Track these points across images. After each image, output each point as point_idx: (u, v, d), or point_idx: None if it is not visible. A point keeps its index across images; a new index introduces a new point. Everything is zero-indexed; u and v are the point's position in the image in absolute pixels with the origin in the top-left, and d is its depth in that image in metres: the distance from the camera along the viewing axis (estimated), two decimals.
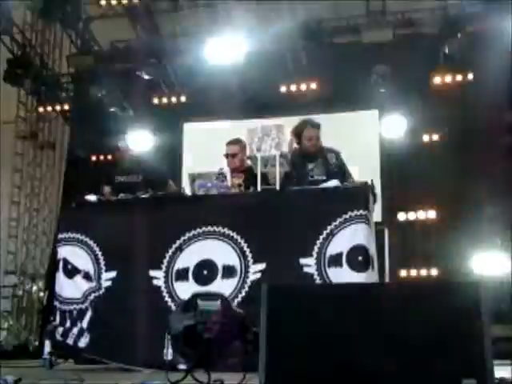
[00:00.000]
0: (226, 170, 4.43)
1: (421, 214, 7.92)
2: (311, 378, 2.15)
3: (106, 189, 4.74)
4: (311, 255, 3.82)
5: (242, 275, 3.91)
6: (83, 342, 4.15)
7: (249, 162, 4.53)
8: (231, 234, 3.99)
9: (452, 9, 7.96)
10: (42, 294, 9.01)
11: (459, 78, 7.93)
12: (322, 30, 8.49)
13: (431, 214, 7.88)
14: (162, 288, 4.03)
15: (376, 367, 2.10)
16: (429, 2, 8.04)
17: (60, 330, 4.21)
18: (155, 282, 4.05)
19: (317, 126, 4.55)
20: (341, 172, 4.42)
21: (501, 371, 2.48)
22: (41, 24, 9.26)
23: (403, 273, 7.60)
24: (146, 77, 8.83)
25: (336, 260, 3.80)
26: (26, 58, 9.07)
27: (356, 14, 8.42)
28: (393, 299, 2.23)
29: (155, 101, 8.85)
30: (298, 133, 4.57)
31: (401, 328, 2.15)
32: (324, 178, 4.36)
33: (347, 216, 3.83)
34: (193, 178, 4.31)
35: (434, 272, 7.60)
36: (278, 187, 4.11)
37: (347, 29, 8.43)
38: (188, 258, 4.04)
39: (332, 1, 8.17)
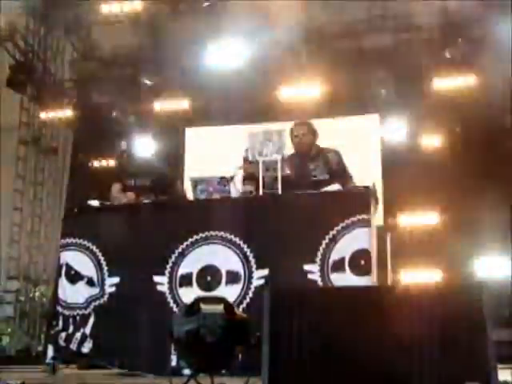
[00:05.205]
0: (239, 177, 4.37)
1: (422, 218, 7.93)
2: (314, 382, 2.16)
3: (117, 186, 4.69)
4: (315, 261, 3.82)
5: (246, 281, 3.91)
6: (86, 348, 4.14)
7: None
8: (234, 239, 4.00)
9: (453, 13, 7.99)
10: (44, 299, 9.02)
11: (460, 82, 7.95)
12: (323, 34, 8.52)
13: (433, 218, 7.89)
14: (167, 294, 4.03)
15: (379, 371, 2.11)
16: (429, 7, 8.06)
17: (63, 335, 4.21)
18: (159, 287, 4.05)
19: (303, 124, 4.56)
20: (342, 172, 4.42)
21: (504, 375, 2.48)
22: (43, 30, 9.30)
23: (405, 276, 7.60)
24: (148, 82, 8.88)
25: (339, 265, 3.80)
26: (29, 64, 9.11)
27: (357, 19, 8.44)
28: (395, 302, 2.24)
29: (157, 106, 8.87)
30: (290, 136, 4.61)
31: (403, 331, 2.16)
32: (326, 177, 4.36)
33: (349, 221, 3.83)
34: (195, 183, 4.31)
35: (437, 276, 7.60)
36: (280, 191, 4.11)
37: (348, 33, 8.46)
38: (191, 264, 4.04)
39: (332, 2, 8.18)
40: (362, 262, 3.76)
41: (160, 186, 4.61)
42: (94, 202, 4.55)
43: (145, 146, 7.76)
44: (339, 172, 4.41)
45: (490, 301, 2.15)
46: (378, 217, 4.30)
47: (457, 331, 2.13)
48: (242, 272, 3.93)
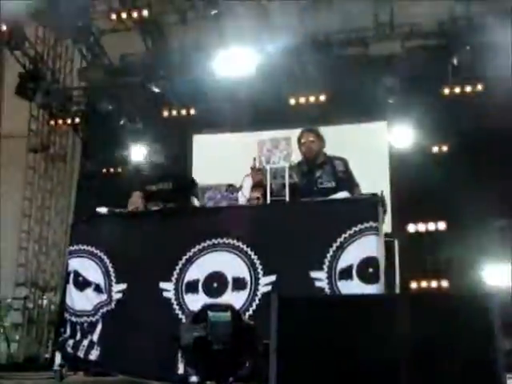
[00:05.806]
0: (247, 185, 4.38)
1: (431, 226, 7.90)
2: None
3: (137, 193, 4.67)
4: (322, 269, 3.81)
5: (253, 288, 3.90)
6: (94, 355, 4.14)
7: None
8: (241, 246, 4.00)
9: (460, 20, 7.99)
10: (52, 306, 9.05)
11: (468, 89, 7.94)
12: (330, 42, 8.54)
13: (441, 226, 7.86)
14: (172, 300, 4.03)
15: (386, 378, 2.10)
16: (437, 14, 8.06)
17: (70, 342, 4.22)
18: (165, 294, 4.05)
19: (311, 131, 4.58)
20: (349, 180, 4.42)
21: None
22: (52, 38, 9.39)
23: (414, 284, 7.57)
24: (156, 90, 8.92)
25: (346, 273, 3.78)
26: (38, 72, 9.19)
27: (364, 27, 8.45)
28: (403, 311, 2.23)
29: (165, 113, 8.91)
30: (298, 143, 4.62)
31: (411, 340, 2.15)
32: (333, 184, 4.36)
33: (357, 228, 3.81)
34: (202, 190, 4.32)
35: (445, 284, 7.56)
36: (287, 199, 4.11)
37: (356, 41, 8.48)
38: (198, 270, 4.04)
39: (340, 9, 8.20)
40: (370, 270, 3.74)
41: (182, 189, 4.58)
42: (102, 209, 4.56)
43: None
44: (346, 180, 4.41)
45: (498, 309, 2.14)
46: (385, 224, 4.28)
47: (465, 340, 2.12)
48: (248, 278, 3.93)
